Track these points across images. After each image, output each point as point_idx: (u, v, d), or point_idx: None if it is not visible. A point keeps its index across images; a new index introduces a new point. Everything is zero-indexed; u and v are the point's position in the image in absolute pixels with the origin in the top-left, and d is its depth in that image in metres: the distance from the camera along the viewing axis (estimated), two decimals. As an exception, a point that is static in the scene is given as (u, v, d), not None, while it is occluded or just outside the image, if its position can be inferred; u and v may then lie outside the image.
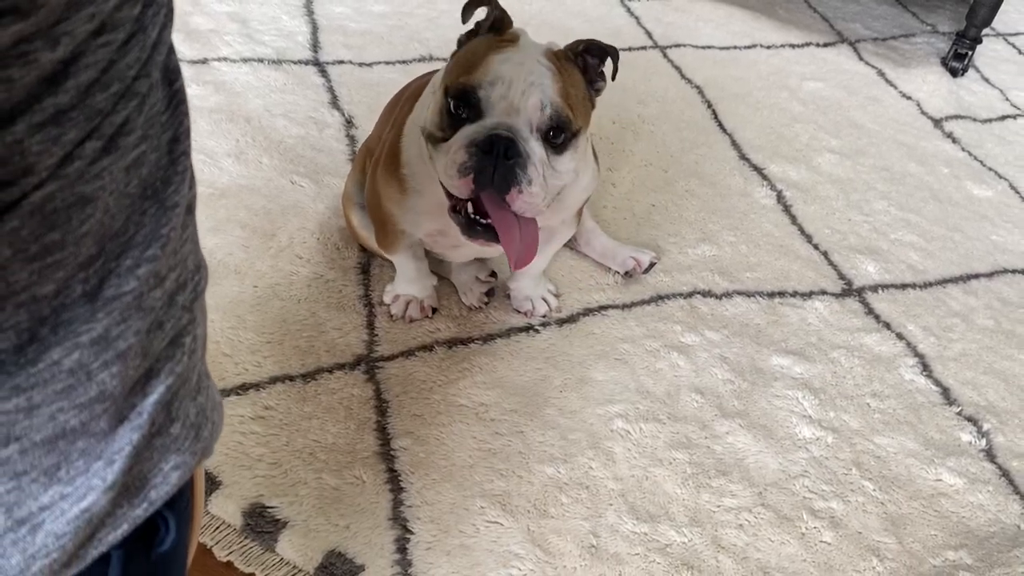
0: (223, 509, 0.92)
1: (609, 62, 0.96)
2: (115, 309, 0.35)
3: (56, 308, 0.34)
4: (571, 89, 0.90)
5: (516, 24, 0.99)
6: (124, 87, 0.34)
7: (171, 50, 0.38)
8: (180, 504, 0.42)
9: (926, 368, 1.24)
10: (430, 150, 0.94)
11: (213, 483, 0.94)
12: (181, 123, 0.39)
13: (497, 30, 0.96)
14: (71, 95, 0.31)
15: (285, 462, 0.97)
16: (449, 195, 0.93)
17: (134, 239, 0.36)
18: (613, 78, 0.96)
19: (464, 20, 0.97)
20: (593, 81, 0.96)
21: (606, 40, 0.97)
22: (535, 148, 0.88)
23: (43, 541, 0.36)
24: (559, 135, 0.89)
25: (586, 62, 0.95)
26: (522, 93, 0.87)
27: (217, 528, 0.91)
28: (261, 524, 0.91)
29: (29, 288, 0.32)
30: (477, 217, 0.91)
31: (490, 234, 0.91)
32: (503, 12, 0.97)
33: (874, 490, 1.06)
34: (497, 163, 0.86)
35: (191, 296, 0.40)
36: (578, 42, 0.95)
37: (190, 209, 0.40)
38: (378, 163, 1.04)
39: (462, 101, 0.90)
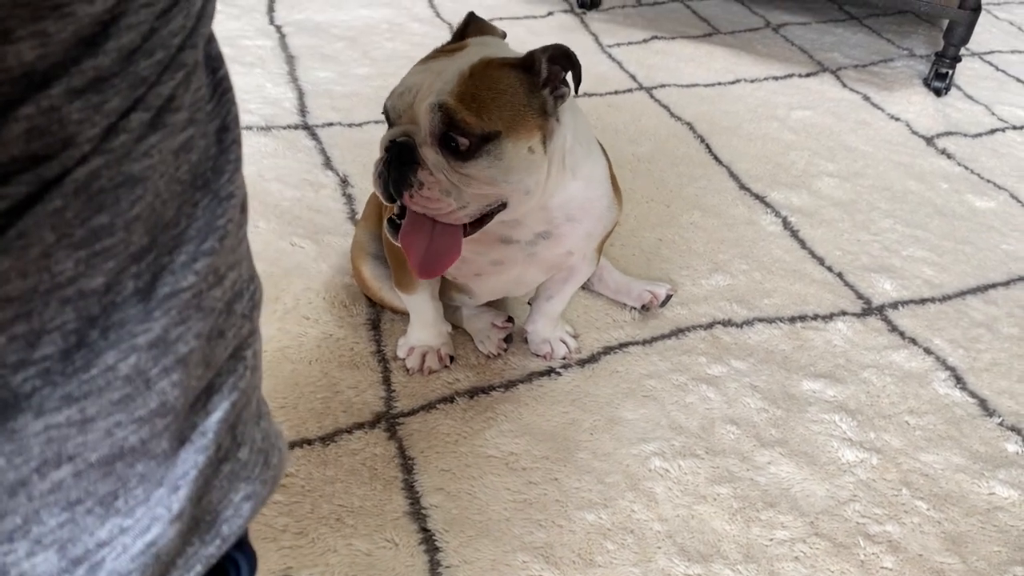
0: (250, 586, 0.86)
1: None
2: (172, 307, 0.31)
3: (106, 307, 0.29)
4: (485, 93, 0.86)
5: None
6: (169, 56, 0.30)
7: (212, 38, 0.35)
8: (248, 547, 0.37)
9: (959, 381, 1.20)
10: None
11: (237, 559, 0.88)
12: (229, 111, 0.36)
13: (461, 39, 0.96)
14: (112, 58, 0.28)
15: (311, 530, 0.91)
16: None
17: (187, 232, 0.32)
18: (576, 90, 0.94)
19: None
20: (556, 88, 0.91)
21: (592, 84, 0.94)
22: (428, 154, 0.86)
23: None
24: (459, 140, 0.86)
25: (550, 70, 0.91)
26: (421, 101, 0.86)
27: (245, 607, 0.84)
28: (292, 598, 0.85)
29: (76, 281, 0.28)
30: (394, 218, 0.92)
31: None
32: (468, 24, 0.97)
33: (928, 509, 1.01)
34: (392, 168, 0.87)
35: (249, 305, 0.36)
36: (538, 49, 0.90)
37: (243, 207, 0.37)
38: None
39: (385, 113, 0.91)
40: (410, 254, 0.90)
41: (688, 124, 1.77)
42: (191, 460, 0.33)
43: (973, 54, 2.24)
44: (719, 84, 1.96)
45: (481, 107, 0.85)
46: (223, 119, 0.35)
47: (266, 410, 0.40)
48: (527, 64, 0.89)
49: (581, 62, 0.91)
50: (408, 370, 1.11)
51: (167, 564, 0.32)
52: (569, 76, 0.92)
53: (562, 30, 2.14)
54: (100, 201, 0.29)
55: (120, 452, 0.31)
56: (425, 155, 0.86)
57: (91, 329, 0.30)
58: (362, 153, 1.54)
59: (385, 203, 0.92)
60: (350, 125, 1.64)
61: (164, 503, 0.32)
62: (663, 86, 1.91)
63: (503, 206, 0.91)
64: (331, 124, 1.63)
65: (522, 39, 2.04)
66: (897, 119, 1.87)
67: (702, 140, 1.72)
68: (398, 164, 0.86)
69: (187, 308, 0.32)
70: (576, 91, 0.93)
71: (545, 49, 0.89)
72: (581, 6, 2.29)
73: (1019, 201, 1.63)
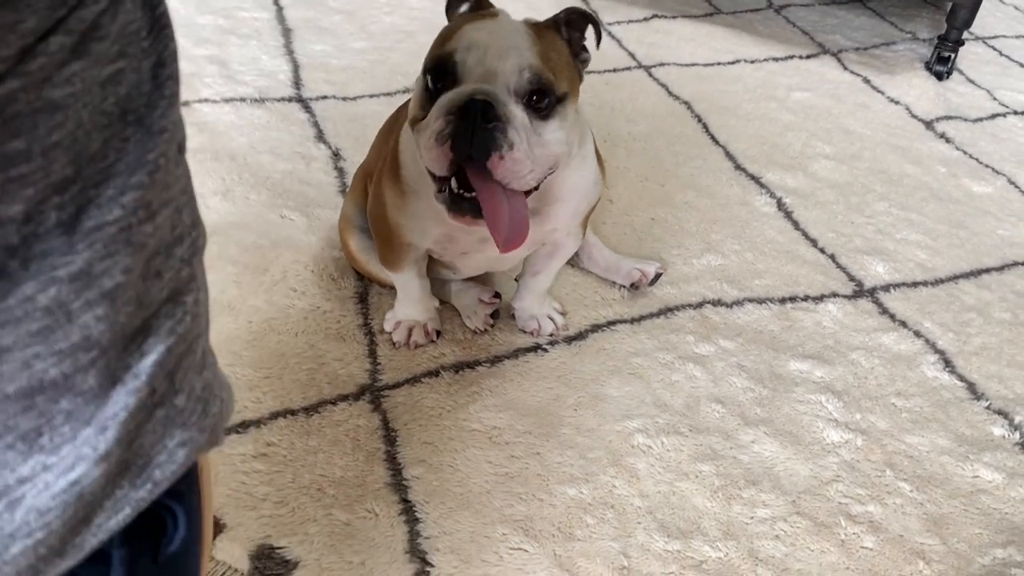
0: (229, 553, 0.86)
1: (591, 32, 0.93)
2: (97, 240, 0.31)
3: (27, 237, 0.29)
4: (552, 54, 0.85)
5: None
6: None
7: None
8: (189, 499, 0.37)
9: (948, 364, 1.20)
10: (415, 136, 0.87)
11: (217, 526, 0.88)
12: (166, 47, 0.35)
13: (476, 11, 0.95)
14: None
15: (292, 500, 0.92)
16: (435, 178, 0.86)
17: (116, 167, 0.32)
18: (597, 45, 0.93)
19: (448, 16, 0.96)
20: (578, 53, 0.91)
21: (591, 61, 0.94)
22: (516, 112, 0.81)
23: (24, 518, 0.30)
24: (542, 99, 0.83)
25: (570, 35, 0.90)
26: (499, 57, 0.82)
27: (224, 573, 0.85)
28: (270, 566, 0.85)
29: None
30: (462, 191, 0.84)
31: (475, 209, 0.83)
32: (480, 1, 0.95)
33: (911, 491, 1.01)
34: (475, 128, 0.79)
35: (190, 251, 0.36)
36: (560, 12, 0.90)
37: (181, 148, 0.36)
38: (381, 175, 1.01)
39: (438, 73, 0.84)
40: (495, 223, 0.83)
41: (686, 103, 1.76)
42: (122, 401, 0.33)
43: (977, 38, 2.22)
44: (719, 64, 1.94)
45: (554, 68, 0.84)
46: (159, 54, 0.35)
47: (212, 361, 0.39)
48: (557, 28, 0.90)
49: (584, 42, 0.92)
50: (394, 344, 1.11)
51: (92, 504, 0.32)
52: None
53: (562, 6, 2.12)
54: (16, 125, 0.28)
55: (40, 385, 0.30)
56: (513, 113, 0.81)
57: (10, 259, 0.29)
58: (355, 127, 1.53)
59: (440, 173, 0.84)
60: (344, 99, 1.63)
61: (91, 443, 0.32)
62: (662, 65, 1.90)
63: (552, 171, 0.89)
64: (325, 97, 1.62)
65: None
66: (897, 102, 1.86)
67: (699, 120, 1.71)
68: (481, 123, 0.79)
69: (114, 242, 0.31)
70: (597, 44, 0.94)
71: (569, 11, 0.90)
72: (582, -16, 2.27)
73: (1017, 187, 1.62)
